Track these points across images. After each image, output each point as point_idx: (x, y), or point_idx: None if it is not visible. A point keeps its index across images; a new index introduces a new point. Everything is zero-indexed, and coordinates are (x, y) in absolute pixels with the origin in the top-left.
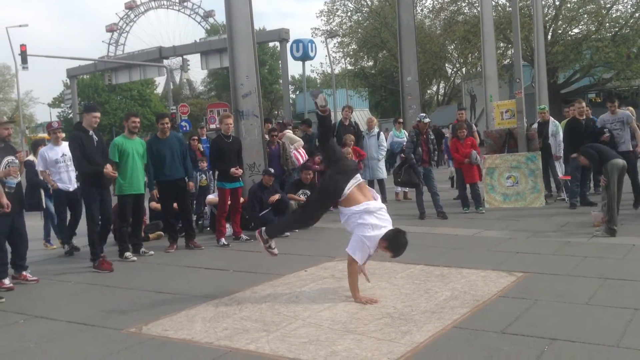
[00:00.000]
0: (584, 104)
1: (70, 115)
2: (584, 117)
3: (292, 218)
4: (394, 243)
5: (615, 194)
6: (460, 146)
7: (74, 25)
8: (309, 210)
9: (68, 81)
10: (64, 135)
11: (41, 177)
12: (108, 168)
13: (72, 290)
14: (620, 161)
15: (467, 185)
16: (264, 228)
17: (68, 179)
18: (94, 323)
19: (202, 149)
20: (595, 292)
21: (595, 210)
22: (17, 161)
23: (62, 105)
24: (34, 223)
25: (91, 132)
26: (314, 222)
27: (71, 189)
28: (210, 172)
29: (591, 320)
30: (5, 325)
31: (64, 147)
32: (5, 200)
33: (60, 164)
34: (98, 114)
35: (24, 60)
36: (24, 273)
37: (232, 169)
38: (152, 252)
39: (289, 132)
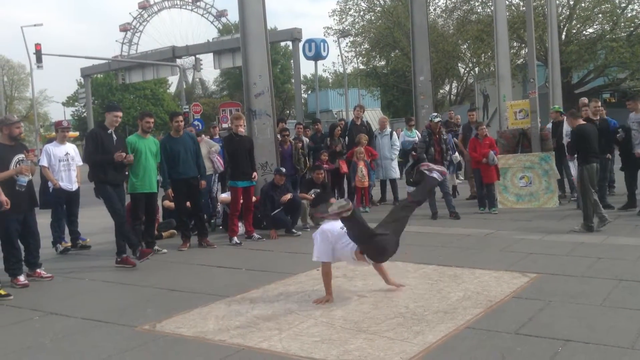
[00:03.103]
0: (599, 104)
1: (84, 114)
2: (598, 117)
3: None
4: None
5: (591, 193)
6: (478, 145)
7: (88, 25)
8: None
9: (82, 80)
10: (69, 135)
11: (44, 173)
12: (119, 154)
13: (86, 288)
14: (596, 166)
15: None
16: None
17: (68, 179)
18: (108, 320)
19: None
20: (610, 293)
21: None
22: (28, 160)
23: (76, 104)
24: (46, 221)
25: (110, 131)
26: None
27: (73, 189)
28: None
29: (605, 321)
30: (20, 321)
31: (69, 147)
32: (3, 198)
33: (62, 162)
34: (119, 113)
35: (39, 59)
36: (38, 270)
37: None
38: (165, 250)
39: (206, 138)
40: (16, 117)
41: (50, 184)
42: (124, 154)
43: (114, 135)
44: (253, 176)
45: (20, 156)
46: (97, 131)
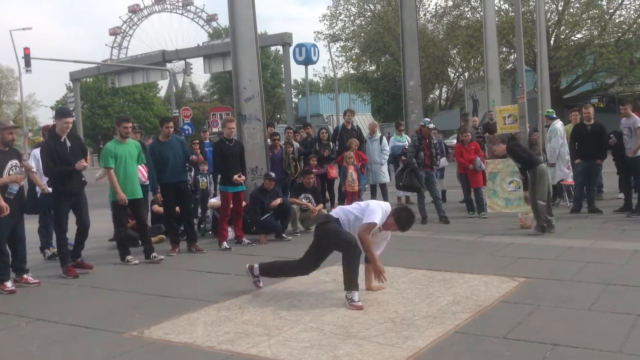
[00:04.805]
0: (590, 110)
1: (74, 118)
2: (592, 122)
3: (291, 267)
4: (401, 218)
5: (544, 194)
6: (464, 151)
7: (77, 29)
8: (310, 262)
9: (71, 84)
10: None
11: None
12: (80, 163)
13: (74, 294)
14: (545, 166)
15: (472, 190)
16: (257, 265)
17: None
18: (96, 326)
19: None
20: (598, 297)
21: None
22: (22, 168)
23: None
24: (33, 226)
25: (63, 138)
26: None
27: None
28: (210, 175)
29: (593, 325)
30: (7, 328)
31: None
32: (3, 204)
33: None
34: (70, 119)
35: (28, 63)
36: (25, 276)
37: (235, 176)
38: (162, 257)
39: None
40: (12, 122)
41: (38, 188)
42: (84, 163)
43: (67, 142)
44: (241, 177)
45: (14, 162)
46: (50, 143)
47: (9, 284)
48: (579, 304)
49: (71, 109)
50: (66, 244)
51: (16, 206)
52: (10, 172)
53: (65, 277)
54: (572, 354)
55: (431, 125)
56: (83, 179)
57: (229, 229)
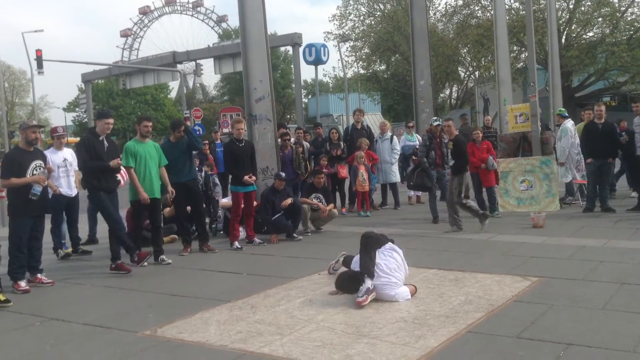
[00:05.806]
0: (603, 108)
1: (85, 119)
2: (603, 120)
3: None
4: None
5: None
6: (476, 150)
7: (88, 31)
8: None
9: (83, 86)
10: (70, 141)
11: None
12: (115, 160)
13: (87, 293)
14: (468, 175)
15: (483, 189)
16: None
17: (67, 185)
18: (110, 325)
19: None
20: (612, 296)
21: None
22: (46, 171)
23: (77, 109)
24: (45, 226)
25: (102, 138)
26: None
27: (72, 195)
28: (214, 176)
29: (607, 325)
30: (21, 327)
31: (66, 152)
32: None
33: (61, 168)
34: (111, 120)
35: (40, 65)
36: (39, 276)
37: (246, 177)
38: (170, 261)
39: None
40: (35, 121)
41: (50, 190)
42: (119, 160)
43: (105, 142)
44: (251, 177)
45: (38, 162)
46: (89, 138)
47: (23, 284)
48: (592, 303)
49: (83, 110)
50: (124, 232)
51: (38, 207)
52: (34, 172)
53: (118, 272)
54: (586, 354)
55: (436, 123)
56: (118, 179)
57: (240, 228)
